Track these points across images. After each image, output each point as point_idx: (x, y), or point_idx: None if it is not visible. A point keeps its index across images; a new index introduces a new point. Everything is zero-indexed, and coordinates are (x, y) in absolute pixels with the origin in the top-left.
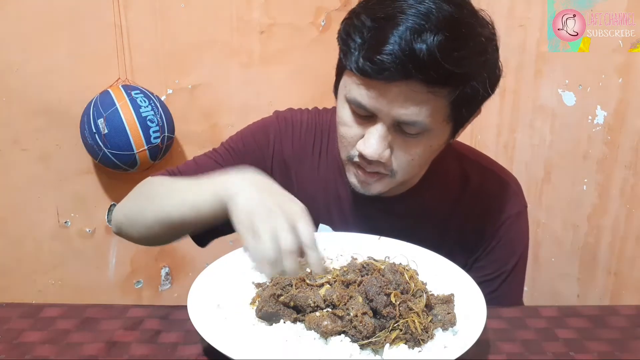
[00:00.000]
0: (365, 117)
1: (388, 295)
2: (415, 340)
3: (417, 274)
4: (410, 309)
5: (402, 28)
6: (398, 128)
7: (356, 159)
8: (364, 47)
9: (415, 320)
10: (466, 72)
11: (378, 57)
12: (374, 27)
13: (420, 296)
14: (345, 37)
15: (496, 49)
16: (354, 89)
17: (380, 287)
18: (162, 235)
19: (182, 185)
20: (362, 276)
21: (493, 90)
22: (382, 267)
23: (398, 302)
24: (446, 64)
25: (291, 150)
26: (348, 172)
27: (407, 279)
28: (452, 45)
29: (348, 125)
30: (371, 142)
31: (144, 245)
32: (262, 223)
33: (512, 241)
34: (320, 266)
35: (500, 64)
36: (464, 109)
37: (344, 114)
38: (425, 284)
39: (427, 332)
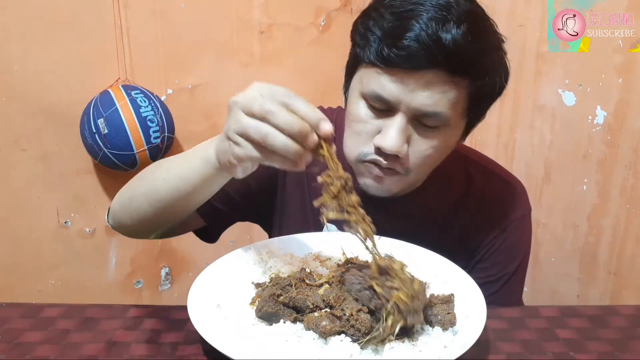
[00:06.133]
0: (383, 111)
1: (370, 288)
2: (410, 314)
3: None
4: (392, 288)
5: (425, 18)
6: (417, 122)
7: (371, 157)
8: (386, 36)
9: (401, 296)
10: (486, 64)
11: (404, 42)
12: (394, 19)
13: (397, 269)
14: (363, 30)
15: (505, 51)
16: (374, 80)
17: (359, 283)
18: (153, 217)
19: (169, 161)
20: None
21: (506, 86)
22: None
23: (381, 289)
24: (471, 53)
25: None
26: (359, 174)
27: (377, 260)
28: (474, 37)
29: (364, 121)
30: (391, 135)
31: (138, 236)
32: (259, 107)
33: (515, 244)
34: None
35: (509, 63)
36: (482, 104)
37: (360, 110)
38: (426, 284)
39: (418, 299)
